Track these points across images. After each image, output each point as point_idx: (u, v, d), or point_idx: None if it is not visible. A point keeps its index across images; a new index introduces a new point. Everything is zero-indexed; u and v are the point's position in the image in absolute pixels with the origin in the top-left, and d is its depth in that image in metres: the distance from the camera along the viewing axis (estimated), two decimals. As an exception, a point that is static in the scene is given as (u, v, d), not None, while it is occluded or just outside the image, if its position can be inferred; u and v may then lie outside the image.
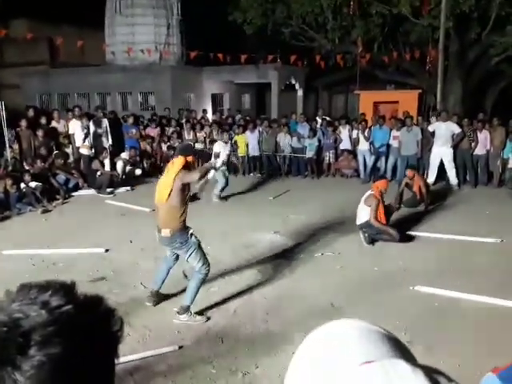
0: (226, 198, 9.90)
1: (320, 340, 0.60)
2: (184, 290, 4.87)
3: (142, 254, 6.42)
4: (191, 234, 4.58)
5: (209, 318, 4.64)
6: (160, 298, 4.95)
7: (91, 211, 8.96)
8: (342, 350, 0.57)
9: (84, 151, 11.37)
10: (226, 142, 10.30)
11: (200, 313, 4.67)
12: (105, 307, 0.69)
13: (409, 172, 9.18)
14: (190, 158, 4.64)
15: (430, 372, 0.53)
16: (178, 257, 4.88)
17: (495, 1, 14.03)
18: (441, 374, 0.54)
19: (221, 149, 9.55)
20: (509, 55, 14.84)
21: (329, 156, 12.55)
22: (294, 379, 0.59)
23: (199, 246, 4.60)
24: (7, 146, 10.59)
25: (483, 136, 11.13)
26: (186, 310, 4.56)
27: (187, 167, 4.58)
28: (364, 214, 6.94)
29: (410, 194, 9.17)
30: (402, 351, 0.58)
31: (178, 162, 4.58)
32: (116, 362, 0.69)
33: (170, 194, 4.46)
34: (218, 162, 4.42)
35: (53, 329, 0.61)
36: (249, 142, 12.68)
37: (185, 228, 4.57)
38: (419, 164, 11.50)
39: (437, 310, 4.80)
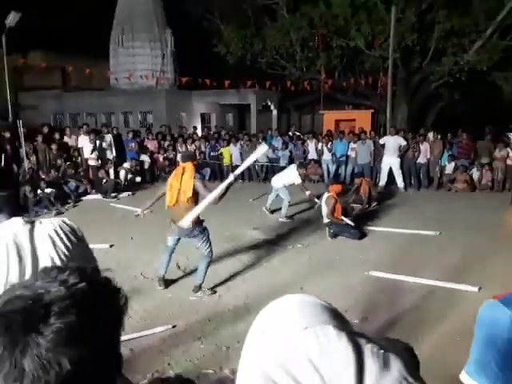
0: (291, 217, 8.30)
1: (268, 312, 0.62)
2: (177, 280, 5.02)
3: (142, 249, 6.36)
4: (205, 227, 4.76)
5: (215, 292, 4.83)
6: (167, 281, 5.02)
7: (98, 213, 8.84)
8: (285, 319, 0.59)
9: (92, 162, 11.23)
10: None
11: (209, 289, 4.87)
12: (113, 286, 0.71)
13: (356, 180, 9.37)
14: (195, 163, 4.76)
15: (354, 335, 0.55)
16: (175, 247, 4.95)
17: (433, 36, 14.32)
18: (362, 336, 0.56)
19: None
20: (445, 81, 15.14)
21: (298, 165, 12.62)
22: (247, 347, 0.61)
23: (209, 234, 4.78)
24: (25, 158, 10.41)
25: (424, 147, 11.31)
26: (200, 287, 4.78)
27: (197, 170, 4.75)
28: (327, 213, 6.97)
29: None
30: (338, 320, 0.60)
31: (189, 166, 4.65)
32: (121, 332, 0.70)
33: (192, 195, 4.54)
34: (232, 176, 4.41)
35: (69, 302, 0.63)
36: (232, 153, 12.71)
37: (201, 221, 4.72)
38: (372, 171, 11.64)
39: (387, 290, 4.86)
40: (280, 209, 8.35)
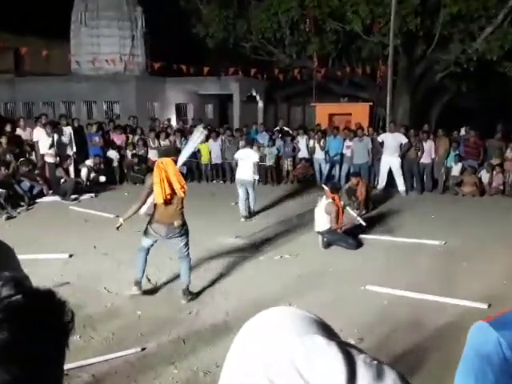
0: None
1: (251, 326, 0.64)
2: (147, 294, 5.04)
3: (106, 259, 6.30)
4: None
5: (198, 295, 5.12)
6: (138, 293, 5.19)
7: (55, 217, 8.73)
8: (269, 331, 0.60)
9: (49, 159, 11.06)
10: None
11: (198, 293, 5.17)
12: (56, 299, 0.69)
13: (353, 180, 9.40)
14: (175, 158, 5.04)
15: (344, 345, 0.57)
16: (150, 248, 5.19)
17: (438, 21, 14.54)
18: (353, 347, 0.58)
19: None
20: (452, 71, 15.37)
21: (287, 164, 12.68)
22: (228, 364, 0.62)
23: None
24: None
25: (428, 146, 11.44)
26: (187, 291, 5.01)
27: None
28: (324, 221, 6.99)
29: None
30: (328, 332, 0.61)
31: (169, 162, 4.88)
32: (65, 352, 0.69)
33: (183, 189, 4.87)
34: None
35: (1, 316, 0.62)
36: (212, 150, 12.69)
37: (185, 220, 5.06)
38: (370, 171, 11.75)
39: (386, 307, 4.91)
40: (257, 211, 8.59)
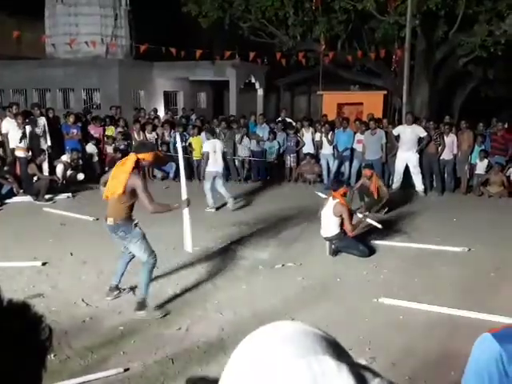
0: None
1: (249, 344, 0.63)
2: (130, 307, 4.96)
3: (84, 268, 6.29)
4: (135, 225, 4.95)
5: (168, 313, 4.95)
6: (119, 291, 5.36)
7: (27, 220, 8.71)
8: (271, 350, 0.59)
9: (20, 153, 11.04)
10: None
11: (159, 306, 5.08)
12: (31, 314, 0.68)
13: (366, 171, 9.45)
14: (145, 156, 4.94)
15: (356, 368, 0.56)
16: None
17: (462, -1, 14.55)
18: (368, 369, 0.57)
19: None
20: (477, 56, 15.36)
21: (290, 160, 12.67)
22: (229, 375, 0.61)
23: (143, 237, 4.97)
24: None
25: (450, 140, 11.44)
26: (143, 304, 4.91)
27: (138, 167, 4.94)
28: (333, 225, 6.99)
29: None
30: (338, 351, 0.60)
31: (129, 161, 4.89)
32: (43, 374, 0.68)
33: (122, 193, 4.80)
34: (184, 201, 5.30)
35: None
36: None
37: (130, 219, 4.95)
38: (384, 169, 11.74)
39: (401, 323, 4.91)
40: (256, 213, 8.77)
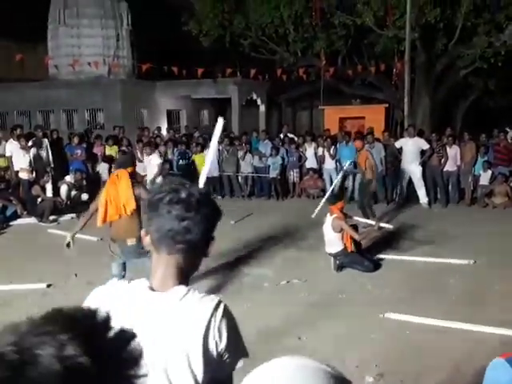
0: None
1: (260, 380, 0.61)
2: None
3: (89, 289, 6.22)
4: None
5: None
6: None
7: (32, 242, 8.71)
8: None
9: (23, 175, 11.10)
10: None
11: None
12: (130, 352, 0.64)
13: (356, 142, 9.98)
14: (131, 170, 5.23)
15: None
16: (124, 267, 5.22)
17: (460, 11, 14.62)
18: None
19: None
20: (477, 67, 15.40)
21: (293, 175, 12.68)
22: None
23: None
24: None
25: (453, 151, 11.42)
26: None
27: (134, 177, 5.22)
28: (336, 241, 6.96)
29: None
30: None
31: (124, 176, 5.04)
32: None
33: (136, 208, 4.95)
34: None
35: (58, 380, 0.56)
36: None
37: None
38: (385, 182, 11.69)
39: (408, 338, 4.86)
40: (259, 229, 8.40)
